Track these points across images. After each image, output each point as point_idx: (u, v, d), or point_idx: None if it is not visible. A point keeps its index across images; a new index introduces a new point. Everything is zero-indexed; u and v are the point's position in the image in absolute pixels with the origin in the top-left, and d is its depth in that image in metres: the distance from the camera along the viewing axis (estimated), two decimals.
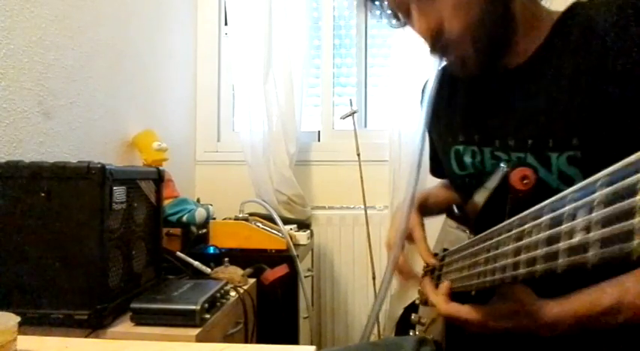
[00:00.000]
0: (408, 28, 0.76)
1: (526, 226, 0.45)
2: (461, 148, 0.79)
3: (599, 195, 0.32)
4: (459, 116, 0.81)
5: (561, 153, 0.64)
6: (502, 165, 0.69)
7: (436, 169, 1.00)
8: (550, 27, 0.68)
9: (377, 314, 0.67)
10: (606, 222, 0.31)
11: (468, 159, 0.78)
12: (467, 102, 0.80)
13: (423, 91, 0.92)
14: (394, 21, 0.79)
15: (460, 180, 0.81)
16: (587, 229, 0.33)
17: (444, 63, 0.74)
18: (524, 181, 0.59)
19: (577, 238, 0.34)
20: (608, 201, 0.31)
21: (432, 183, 1.05)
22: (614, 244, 0.30)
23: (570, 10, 0.67)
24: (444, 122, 0.84)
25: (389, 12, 0.78)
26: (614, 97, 0.59)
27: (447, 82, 0.80)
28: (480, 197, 0.71)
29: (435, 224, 0.99)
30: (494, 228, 0.55)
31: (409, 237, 0.89)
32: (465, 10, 0.65)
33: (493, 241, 0.55)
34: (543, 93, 0.67)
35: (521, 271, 0.45)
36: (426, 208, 0.96)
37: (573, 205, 0.35)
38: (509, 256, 0.49)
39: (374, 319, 0.68)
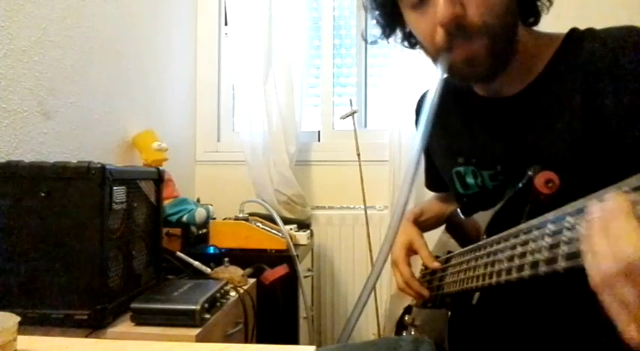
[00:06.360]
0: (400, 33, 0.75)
1: (524, 237, 0.49)
2: (461, 169, 0.80)
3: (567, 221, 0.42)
4: (455, 140, 0.82)
5: None
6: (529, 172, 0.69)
7: (431, 184, 1.02)
8: (549, 58, 0.68)
9: (357, 317, 0.67)
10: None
11: (470, 180, 0.80)
12: (463, 127, 0.81)
13: (417, 111, 0.93)
14: (390, 32, 0.78)
15: (466, 198, 0.82)
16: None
17: (443, 77, 0.70)
18: (549, 185, 0.59)
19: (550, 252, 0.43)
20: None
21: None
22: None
23: (568, 39, 0.68)
24: (441, 144, 0.85)
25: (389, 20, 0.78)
26: (605, 134, 0.60)
27: (442, 106, 0.79)
28: (486, 215, 0.71)
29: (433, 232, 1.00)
30: (500, 234, 0.56)
31: (410, 249, 0.89)
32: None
33: (500, 245, 0.55)
34: (539, 124, 0.68)
35: (522, 273, 0.48)
36: (420, 224, 0.96)
37: (550, 226, 0.44)
38: (506, 262, 0.51)
39: (354, 321, 0.67)
